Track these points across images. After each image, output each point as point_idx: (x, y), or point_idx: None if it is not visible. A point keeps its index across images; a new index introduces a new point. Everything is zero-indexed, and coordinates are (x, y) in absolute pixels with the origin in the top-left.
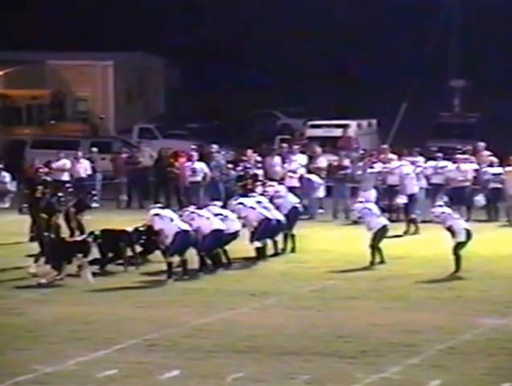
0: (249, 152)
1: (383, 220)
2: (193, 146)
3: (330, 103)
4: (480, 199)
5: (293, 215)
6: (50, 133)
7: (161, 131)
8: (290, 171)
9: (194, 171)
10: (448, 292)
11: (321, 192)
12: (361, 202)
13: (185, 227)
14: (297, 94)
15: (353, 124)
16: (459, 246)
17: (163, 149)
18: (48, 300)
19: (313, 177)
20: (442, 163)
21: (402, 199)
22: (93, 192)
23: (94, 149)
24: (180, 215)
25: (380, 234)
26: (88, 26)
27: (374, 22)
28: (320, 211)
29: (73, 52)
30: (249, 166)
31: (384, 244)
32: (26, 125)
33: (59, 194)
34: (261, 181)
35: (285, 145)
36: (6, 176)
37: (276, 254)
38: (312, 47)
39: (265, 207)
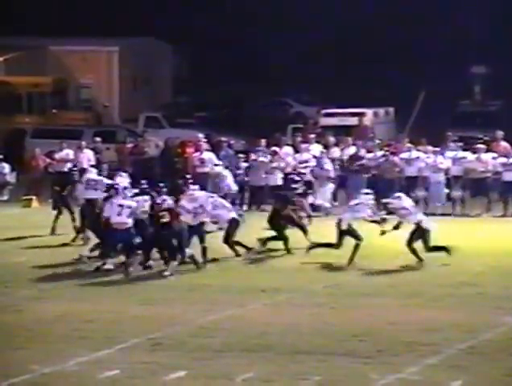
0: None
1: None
2: (200, 135)
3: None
4: None
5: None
6: (52, 122)
7: (168, 120)
8: (301, 162)
9: (202, 162)
10: (467, 288)
11: (331, 186)
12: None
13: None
14: (309, 81)
15: (369, 112)
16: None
17: (170, 138)
18: (47, 297)
19: (328, 166)
20: (461, 154)
21: (421, 191)
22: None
23: (98, 139)
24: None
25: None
26: (93, 10)
27: (389, 8)
28: (334, 204)
29: (76, 38)
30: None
31: (399, 239)
32: (27, 113)
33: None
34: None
35: (297, 134)
36: (6, 167)
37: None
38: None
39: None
